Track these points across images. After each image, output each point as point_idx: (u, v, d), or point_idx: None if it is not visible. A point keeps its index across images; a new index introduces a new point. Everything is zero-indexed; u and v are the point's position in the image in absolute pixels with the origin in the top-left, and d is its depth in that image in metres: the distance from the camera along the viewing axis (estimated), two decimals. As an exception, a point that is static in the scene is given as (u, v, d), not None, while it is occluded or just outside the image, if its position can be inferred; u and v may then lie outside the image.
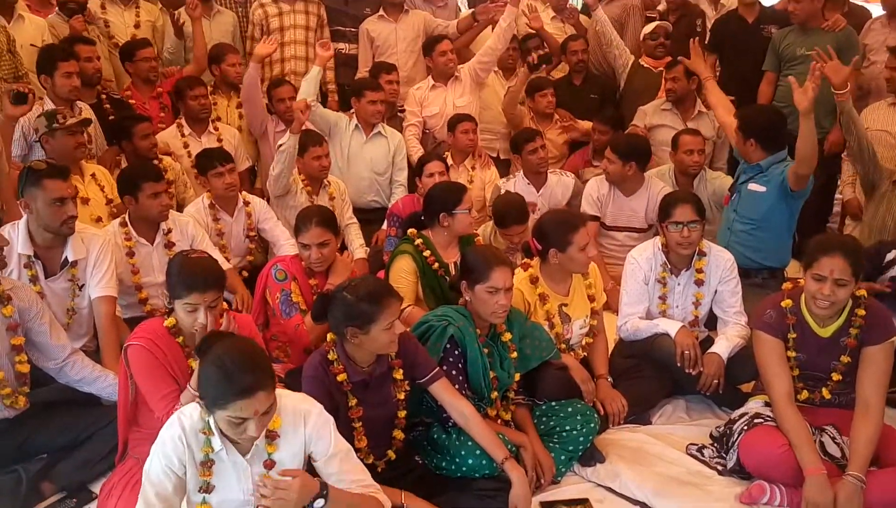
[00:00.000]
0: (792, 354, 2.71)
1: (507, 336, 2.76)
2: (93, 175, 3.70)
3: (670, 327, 3.11)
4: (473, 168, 4.66)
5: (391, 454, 2.51)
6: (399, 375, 2.48)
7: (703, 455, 2.85)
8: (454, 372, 2.60)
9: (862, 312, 2.64)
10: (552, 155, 4.90)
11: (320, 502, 1.97)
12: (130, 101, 4.54)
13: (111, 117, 4.29)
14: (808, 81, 3.30)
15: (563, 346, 3.07)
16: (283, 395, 2.06)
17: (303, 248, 3.04)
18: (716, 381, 3.02)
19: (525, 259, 3.13)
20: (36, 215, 2.87)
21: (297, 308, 3.00)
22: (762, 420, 2.70)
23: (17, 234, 2.89)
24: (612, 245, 4.31)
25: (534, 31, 5.31)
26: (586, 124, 5.07)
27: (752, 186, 3.65)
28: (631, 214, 4.23)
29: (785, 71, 4.66)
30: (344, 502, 2.05)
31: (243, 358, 1.91)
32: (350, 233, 4.26)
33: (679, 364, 3.02)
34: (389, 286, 2.49)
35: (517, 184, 4.38)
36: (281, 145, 3.95)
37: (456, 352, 2.63)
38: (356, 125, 4.56)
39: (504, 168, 5.09)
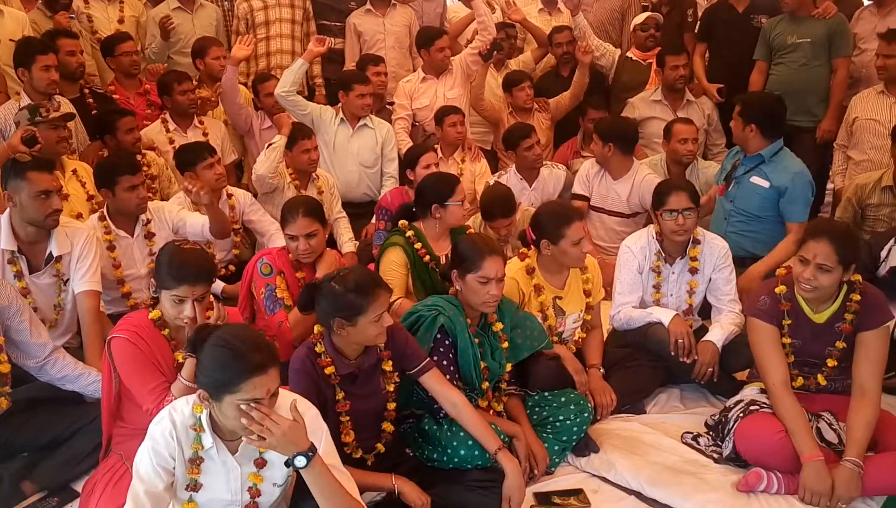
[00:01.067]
0: (787, 340, 2.68)
1: (499, 326, 2.72)
2: (74, 171, 3.65)
3: (664, 315, 3.08)
4: (463, 161, 4.61)
5: (380, 447, 2.46)
6: (388, 366, 2.43)
7: (698, 443, 2.82)
8: (445, 362, 2.56)
9: (857, 297, 2.61)
10: (543, 144, 4.88)
11: (301, 461, 1.86)
12: (115, 96, 4.48)
13: (94, 112, 4.23)
14: None
15: (556, 339, 3.03)
16: (280, 394, 1.99)
17: (290, 239, 2.99)
18: (710, 369, 2.98)
19: (522, 249, 3.08)
20: (20, 208, 2.82)
21: (280, 304, 2.94)
22: (758, 408, 2.67)
23: (0, 229, 2.83)
24: (599, 228, 4.29)
25: (510, 23, 5.28)
26: (555, 101, 5.05)
27: (755, 180, 3.63)
28: (616, 197, 4.22)
29: (776, 60, 4.65)
30: (325, 480, 1.91)
31: (250, 337, 1.89)
32: (339, 227, 4.21)
33: (673, 353, 2.99)
34: (378, 277, 2.44)
35: (510, 179, 4.35)
36: (271, 144, 3.88)
37: (446, 342, 2.58)
38: (342, 118, 4.51)
39: (493, 160, 5.05)
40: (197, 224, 3.44)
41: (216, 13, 5.16)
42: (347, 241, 4.17)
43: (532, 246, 3.02)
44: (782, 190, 3.58)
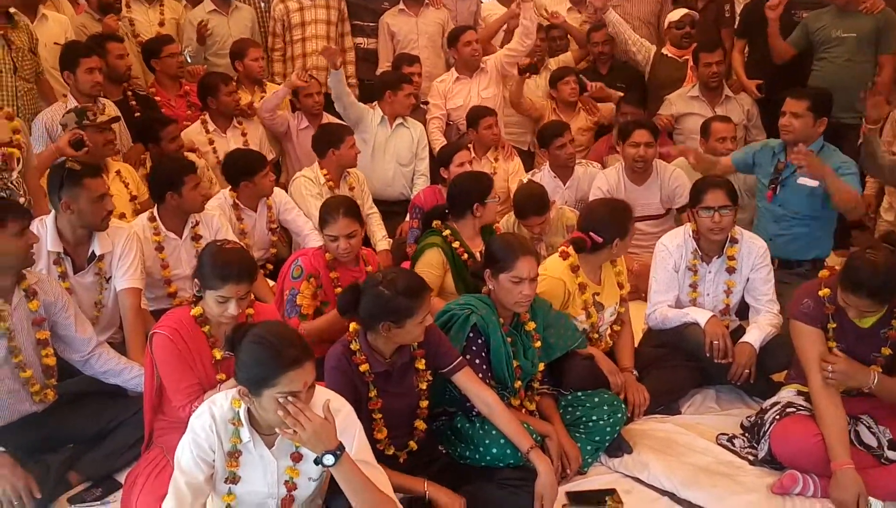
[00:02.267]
0: (832, 345, 2.62)
1: (531, 325, 2.72)
2: (118, 172, 3.73)
3: (700, 316, 3.05)
4: (496, 159, 4.62)
5: (413, 444, 2.49)
6: (421, 365, 2.45)
7: (733, 445, 2.79)
8: (477, 361, 2.58)
9: None
10: (578, 144, 4.87)
11: (329, 459, 1.90)
12: (156, 98, 4.57)
13: (137, 114, 4.33)
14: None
15: (597, 335, 3.04)
16: (316, 390, 2.03)
17: (330, 240, 3.00)
18: (747, 371, 2.95)
19: (562, 248, 3.05)
20: (78, 214, 2.90)
21: (297, 311, 2.96)
22: (794, 410, 2.64)
23: (46, 231, 2.92)
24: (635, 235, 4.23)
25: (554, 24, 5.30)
26: (607, 107, 5.04)
27: (803, 180, 3.53)
28: (645, 203, 4.14)
29: (819, 54, 4.56)
30: (356, 478, 1.95)
31: (286, 333, 1.95)
32: (372, 224, 4.24)
33: (708, 354, 2.96)
34: (423, 280, 2.45)
35: (543, 177, 4.34)
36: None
37: (479, 341, 2.60)
38: (382, 118, 4.57)
39: (530, 159, 5.04)
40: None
41: (251, 15, 5.22)
42: (381, 239, 4.21)
43: (591, 249, 2.96)
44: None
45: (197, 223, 3.41)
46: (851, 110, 4.41)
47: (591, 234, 2.94)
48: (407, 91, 4.52)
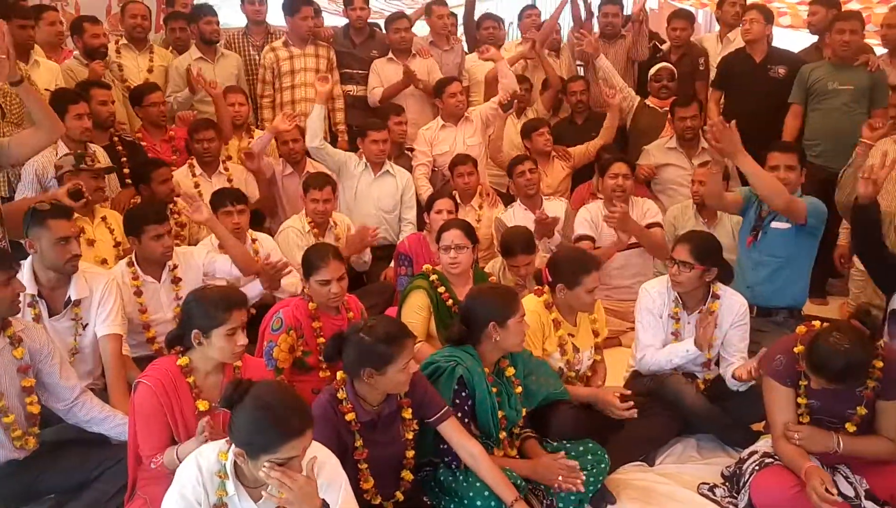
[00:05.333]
0: (803, 401, 2.65)
1: (511, 371, 2.76)
2: (103, 218, 3.72)
3: (688, 344, 3.10)
4: (481, 207, 4.69)
5: (399, 495, 2.49)
6: (408, 414, 2.47)
7: (714, 494, 2.83)
8: (459, 414, 2.58)
9: (879, 364, 2.56)
10: (555, 190, 5.00)
11: None
12: (142, 143, 4.61)
13: (124, 159, 4.35)
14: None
15: (573, 374, 3.09)
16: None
17: (322, 285, 2.99)
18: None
19: (537, 286, 3.17)
20: (41, 254, 2.91)
21: (273, 364, 2.94)
22: (772, 461, 2.67)
23: (23, 273, 2.91)
24: (627, 267, 4.38)
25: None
26: (578, 151, 5.16)
27: (776, 225, 3.65)
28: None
29: (814, 105, 4.71)
30: None
31: (290, 399, 1.96)
32: None
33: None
34: (404, 326, 2.49)
35: (515, 212, 4.49)
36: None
37: (463, 393, 2.62)
38: (365, 164, 4.64)
39: (511, 202, 5.12)
40: (226, 264, 3.57)
41: (237, 62, 5.32)
42: None
43: (547, 285, 3.11)
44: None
45: (175, 267, 3.42)
46: (844, 160, 4.54)
47: (545, 269, 3.11)
48: (371, 137, 4.55)
